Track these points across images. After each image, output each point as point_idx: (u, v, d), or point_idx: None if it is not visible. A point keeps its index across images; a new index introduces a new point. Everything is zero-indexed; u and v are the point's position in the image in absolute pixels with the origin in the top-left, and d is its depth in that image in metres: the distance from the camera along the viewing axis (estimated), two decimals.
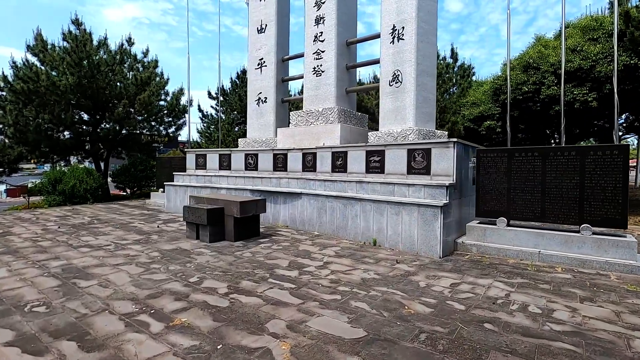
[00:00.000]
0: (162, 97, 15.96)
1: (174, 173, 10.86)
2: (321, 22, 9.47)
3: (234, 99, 23.10)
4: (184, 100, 16.22)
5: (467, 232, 6.04)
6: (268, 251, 5.86)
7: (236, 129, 22.23)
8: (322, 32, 9.46)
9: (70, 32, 12.70)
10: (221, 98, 24.41)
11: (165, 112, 15.96)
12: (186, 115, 17.00)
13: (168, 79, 15.94)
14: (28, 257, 5.32)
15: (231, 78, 24.05)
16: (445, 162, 6.03)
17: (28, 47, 12.70)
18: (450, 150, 5.98)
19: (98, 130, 14.66)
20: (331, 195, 7.18)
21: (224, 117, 22.77)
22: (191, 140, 21.65)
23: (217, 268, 4.85)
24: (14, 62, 12.53)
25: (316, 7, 9.57)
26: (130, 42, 14.83)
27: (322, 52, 9.43)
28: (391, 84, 8.15)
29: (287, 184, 8.53)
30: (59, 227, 7.87)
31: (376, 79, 18.32)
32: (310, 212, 7.66)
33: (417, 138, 7.37)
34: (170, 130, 16.55)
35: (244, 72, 23.75)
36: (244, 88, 23.31)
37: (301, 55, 10.88)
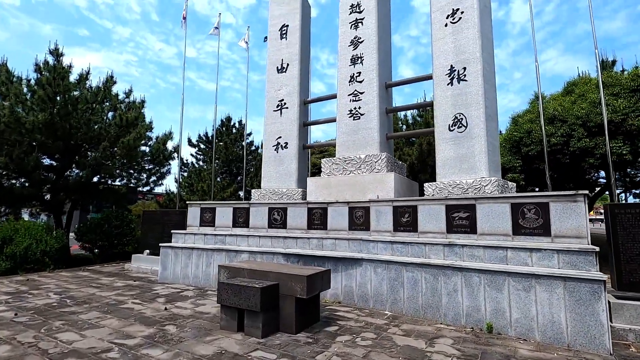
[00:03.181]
0: (144, 141, 13.95)
1: (172, 231, 8.67)
2: (359, 61, 8.53)
3: (218, 147, 21.43)
4: (170, 145, 14.30)
5: (614, 311, 4.64)
6: (360, 351, 4.01)
7: (218, 179, 20.27)
8: (359, 72, 8.47)
9: (46, 63, 10.77)
10: (202, 146, 22.71)
11: (148, 158, 13.85)
12: (171, 162, 14.99)
13: (151, 122, 14.11)
14: None
15: (213, 126, 22.55)
16: (573, 219, 4.77)
17: None
18: (580, 205, 4.76)
19: (66, 177, 12.16)
20: (411, 262, 5.57)
21: (205, 167, 20.83)
22: (169, 191, 19.32)
23: None
24: None
25: (352, 46, 8.68)
26: (111, 80, 13.06)
27: (361, 93, 8.36)
28: (452, 128, 7.10)
29: (334, 245, 6.82)
30: (16, 314, 5.42)
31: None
32: (376, 285, 5.92)
33: (496, 190, 6.17)
34: (151, 179, 14.30)
35: (228, 119, 22.46)
36: (230, 136, 21.88)
37: (327, 98, 9.84)
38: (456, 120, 7.09)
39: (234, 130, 22.17)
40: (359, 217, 6.96)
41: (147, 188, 14.71)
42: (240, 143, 22.07)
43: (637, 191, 16.03)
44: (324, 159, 8.61)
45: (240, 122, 22.39)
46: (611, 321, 4.58)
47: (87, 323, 4.96)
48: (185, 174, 20.58)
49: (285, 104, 9.54)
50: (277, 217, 7.90)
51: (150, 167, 14.50)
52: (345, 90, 8.63)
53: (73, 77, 11.35)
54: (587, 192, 4.77)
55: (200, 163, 21.86)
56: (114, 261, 11.33)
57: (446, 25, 7.49)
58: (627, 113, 10.11)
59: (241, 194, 21.03)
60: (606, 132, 8.12)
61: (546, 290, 4.39)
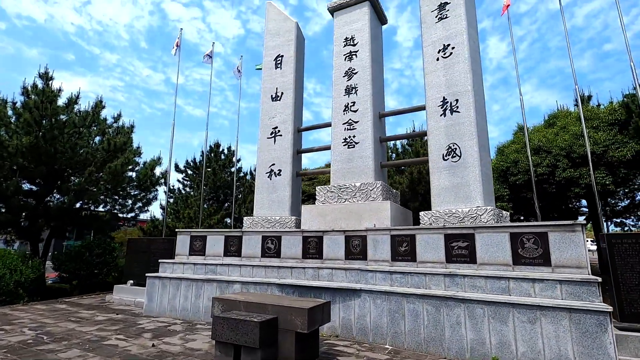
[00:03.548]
0: (131, 167, 13.65)
1: (159, 260, 8.30)
2: (353, 92, 8.71)
3: (206, 173, 21.16)
4: (158, 171, 14.03)
5: (618, 343, 4.59)
6: None
7: (205, 206, 19.86)
8: (354, 102, 8.64)
9: (35, 86, 10.59)
10: (190, 172, 22.38)
11: (134, 184, 13.51)
12: (158, 188, 14.66)
13: (140, 147, 13.89)
14: None
15: (202, 151, 22.39)
16: (573, 249, 4.80)
17: None
18: (578, 235, 4.81)
19: (46, 203, 11.68)
20: (412, 293, 5.45)
21: (192, 193, 20.45)
22: (153, 218, 18.76)
23: None
24: None
25: (346, 77, 8.90)
26: (100, 104, 12.92)
27: (355, 122, 8.49)
28: (446, 158, 7.22)
29: (330, 275, 6.64)
30: None
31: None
32: (376, 317, 5.74)
33: (492, 219, 6.20)
34: (136, 206, 13.88)
35: (217, 145, 22.37)
36: (219, 162, 21.69)
37: (320, 126, 9.94)
38: (450, 150, 7.22)
39: (222, 157, 22.02)
40: (356, 246, 6.85)
41: (132, 215, 14.24)
42: (228, 169, 21.87)
43: (618, 220, 16.49)
44: (319, 187, 8.57)
45: (229, 148, 22.31)
46: None
47: None
48: (171, 200, 20.11)
49: (279, 131, 9.57)
50: (271, 246, 7.69)
51: (136, 192, 14.13)
52: (339, 119, 8.74)
53: (62, 101, 11.16)
54: (584, 222, 4.85)
55: (187, 189, 21.44)
56: (93, 292, 10.71)
57: (438, 59, 7.78)
58: (608, 145, 10.57)
59: (228, 220, 20.63)
60: (590, 164, 8.41)
61: (552, 322, 4.33)
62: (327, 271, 6.69)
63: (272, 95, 9.91)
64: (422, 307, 5.32)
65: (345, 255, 6.90)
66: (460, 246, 5.72)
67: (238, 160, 22.69)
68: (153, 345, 5.40)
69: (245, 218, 9.12)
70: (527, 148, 9.95)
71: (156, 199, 14.54)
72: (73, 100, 11.44)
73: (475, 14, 8.33)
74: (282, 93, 9.81)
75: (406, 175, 12.53)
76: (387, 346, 5.47)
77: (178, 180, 21.54)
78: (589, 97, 16.08)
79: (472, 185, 6.79)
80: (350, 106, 8.66)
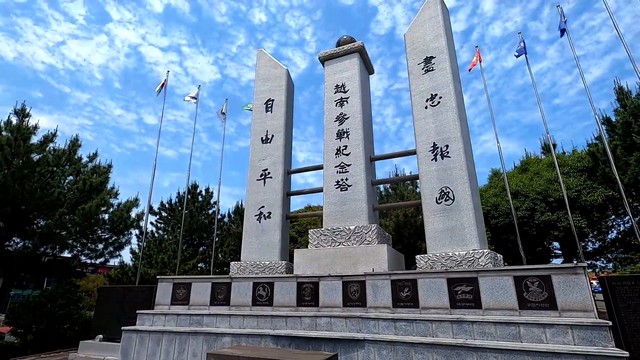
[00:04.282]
0: (104, 208, 12.91)
1: (138, 311, 7.57)
2: (345, 136, 8.90)
3: (180, 215, 20.36)
4: (134, 213, 13.33)
5: None
6: None
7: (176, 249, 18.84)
8: (346, 146, 8.79)
9: (9, 122, 10.06)
10: (164, 214, 21.43)
11: (107, 227, 12.70)
12: (132, 231, 13.84)
13: (117, 188, 13.26)
14: None
15: (179, 193, 21.75)
16: (577, 292, 4.84)
17: None
18: (581, 278, 4.88)
19: (4, 247, 10.65)
20: (420, 342, 5.20)
21: (166, 236, 19.46)
22: (122, 263, 17.48)
23: None
24: None
25: (338, 121, 9.13)
26: (77, 143, 12.42)
27: (348, 165, 8.58)
28: (439, 201, 7.34)
29: (329, 325, 6.28)
30: None
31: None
32: None
33: (490, 262, 6.22)
34: (107, 250, 12.94)
35: (194, 187, 21.79)
36: (196, 204, 21.00)
37: (311, 169, 9.97)
38: (443, 193, 7.36)
39: (199, 198, 21.41)
40: (354, 292, 6.59)
41: (101, 260, 13.21)
42: (206, 211, 21.19)
43: (589, 262, 17.14)
44: (311, 230, 8.38)
45: (207, 189, 21.81)
46: None
47: None
48: (143, 244, 18.93)
49: (269, 173, 9.47)
50: (263, 293, 7.26)
51: (107, 236, 13.24)
52: (331, 162, 8.81)
53: (37, 139, 10.63)
54: (585, 264, 4.94)
55: (160, 232, 20.41)
56: (52, 350, 9.50)
57: (426, 107, 8.18)
58: (579, 190, 11.22)
59: (202, 265, 19.59)
60: (568, 208, 8.81)
61: None
62: (325, 320, 6.34)
63: (262, 138, 9.92)
64: (432, 358, 5.07)
65: (343, 302, 6.60)
66: (464, 290, 5.63)
67: (215, 203, 22.11)
68: None
69: (232, 263, 8.66)
70: (508, 192, 10.35)
71: (129, 242, 13.66)
72: (49, 138, 10.93)
73: (457, 68, 8.98)
74: (272, 135, 9.85)
75: (392, 219, 12.60)
76: None
77: (151, 223, 20.56)
78: (554, 145, 17.35)
79: (467, 228, 6.87)
80: (343, 149, 8.79)
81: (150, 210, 21.23)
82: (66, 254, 12.65)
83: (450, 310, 5.62)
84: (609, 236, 14.02)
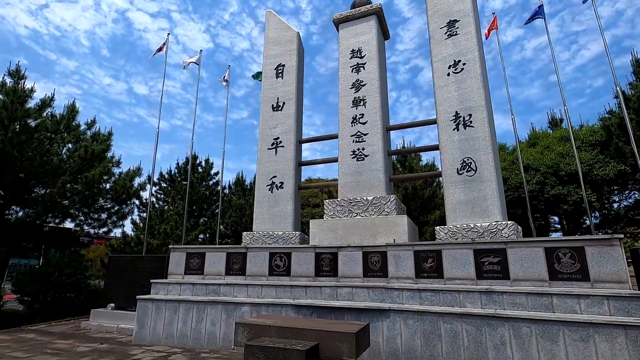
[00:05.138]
0: (106, 177, 12.53)
1: (152, 281, 7.43)
2: (361, 104, 8.54)
3: (179, 186, 20.08)
4: (137, 182, 12.98)
5: None
6: None
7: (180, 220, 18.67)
8: (362, 114, 8.45)
9: (3, 84, 9.46)
10: (164, 185, 21.06)
11: (109, 196, 12.38)
12: (135, 201, 13.55)
13: (119, 157, 12.83)
14: None
15: (178, 163, 21.30)
16: (612, 264, 4.77)
17: None
18: (616, 249, 4.79)
19: (4, 216, 10.33)
20: (450, 312, 5.15)
21: (167, 207, 19.20)
22: (125, 233, 17.29)
23: None
24: None
25: (354, 88, 8.73)
26: (74, 109, 11.83)
27: (364, 134, 8.28)
28: (460, 172, 7.15)
29: (351, 295, 6.21)
30: None
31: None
32: (408, 339, 5.36)
33: (513, 234, 6.13)
34: (110, 221, 12.69)
35: (194, 158, 21.33)
36: (196, 175, 20.64)
37: (324, 138, 9.65)
38: (465, 164, 7.16)
39: (199, 169, 21.02)
40: (375, 263, 6.49)
41: (104, 230, 12.98)
42: (206, 183, 20.88)
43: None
44: (327, 201, 8.19)
45: (207, 160, 21.37)
46: None
47: None
48: (144, 214, 18.70)
49: (280, 142, 9.15)
50: (280, 263, 7.15)
51: (109, 206, 12.95)
52: (347, 131, 8.50)
53: (34, 102, 10.06)
54: (622, 236, 4.84)
55: (161, 203, 20.13)
56: (62, 318, 9.43)
57: (448, 74, 7.81)
58: (592, 164, 11.13)
59: (202, 237, 19.52)
60: (582, 182, 8.72)
61: (606, 340, 4.19)
62: (347, 290, 6.26)
63: (273, 105, 9.51)
64: (461, 327, 5.03)
65: (363, 272, 6.51)
66: (492, 262, 5.55)
67: (215, 174, 21.75)
68: None
69: (244, 233, 8.51)
70: (520, 165, 10.23)
71: (132, 212, 13.40)
72: (47, 103, 10.35)
73: (481, 32, 8.54)
74: (283, 103, 9.44)
75: (400, 191, 12.47)
76: None
77: (151, 194, 20.13)
78: (561, 120, 17.16)
79: (489, 199, 6.73)
80: (359, 118, 8.46)
81: (150, 180, 20.91)
82: (68, 224, 12.38)
83: (477, 281, 5.55)
84: (612, 211, 14.14)
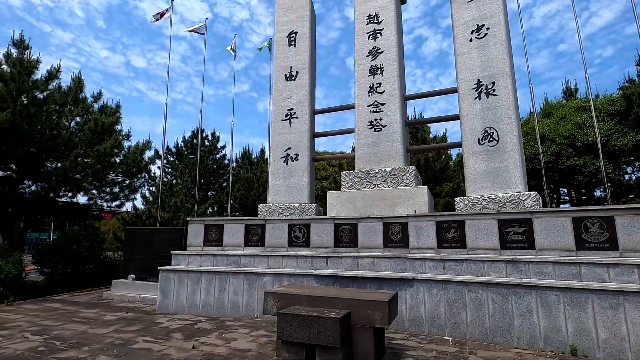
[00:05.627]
0: (117, 151, 12.43)
1: (172, 252, 7.51)
2: (378, 72, 8.27)
3: (187, 160, 20.01)
4: (146, 156, 12.89)
5: None
6: None
7: (189, 194, 18.74)
8: (380, 83, 8.20)
9: (8, 54, 9.18)
10: (171, 159, 20.98)
11: (120, 170, 12.34)
12: (145, 175, 13.52)
13: (123, 130, 12.66)
14: None
15: (184, 137, 21.12)
16: None
17: None
18: None
19: (18, 190, 10.34)
20: (475, 282, 5.18)
21: (175, 181, 19.21)
22: (140, 208, 17.39)
23: None
24: None
25: (370, 56, 8.42)
26: (81, 81, 11.55)
27: (382, 104, 8.07)
28: (482, 142, 7.01)
29: (372, 265, 6.26)
30: None
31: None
32: (432, 307, 5.44)
33: (537, 204, 6.08)
34: (121, 194, 12.72)
35: (200, 131, 21.08)
36: (203, 148, 20.50)
37: (339, 109, 9.40)
38: (486, 134, 7.01)
39: (206, 143, 20.87)
40: (396, 234, 6.49)
41: (116, 203, 13.04)
42: (213, 156, 20.78)
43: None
44: (344, 172, 8.11)
45: (213, 134, 21.18)
46: None
47: None
48: (153, 188, 18.74)
49: (294, 113, 8.95)
50: (299, 235, 7.17)
51: (120, 179, 12.94)
52: (364, 101, 8.28)
53: (40, 74, 9.81)
54: None
55: (169, 177, 20.13)
56: (84, 289, 9.65)
57: (471, 40, 7.50)
58: (609, 135, 10.90)
59: (210, 210, 19.64)
60: (600, 153, 8.54)
61: (636, 307, 4.21)
62: (368, 260, 6.30)
63: (286, 75, 9.23)
64: (486, 296, 5.08)
65: (383, 243, 6.53)
66: (517, 232, 5.52)
67: (222, 147, 21.60)
68: (193, 347, 4.77)
69: (260, 205, 8.50)
70: (537, 136, 9.98)
71: (144, 186, 13.40)
72: (53, 74, 10.08)
73: None
74: (297, 72, 9.16)
75: (413, 162, 12.34)
76: (446, 337, 5.20)
77: (158, 168, 20.16)
78: (576, 89, 16.72)
79: (512, 170, 6.63)
80: (376, 87, 8.22)
81: (158, 154, 20.83)
82: (80, 198, 12.41)
83: (500, 251, 5.55)
84: (623, 182, 14.01)
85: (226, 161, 21.77)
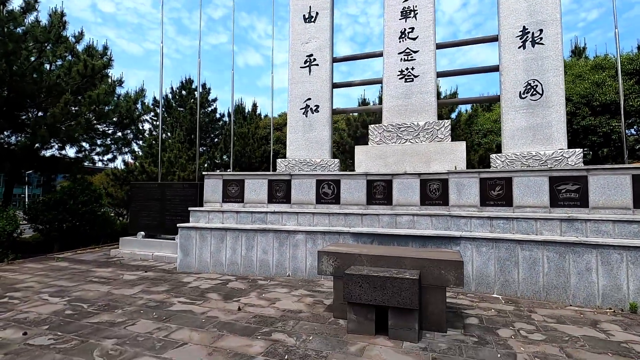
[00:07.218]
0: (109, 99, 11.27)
1: (190, 208, 6.95)
2: (411, 15, 7.50)
3: (177, 113, 18.76)
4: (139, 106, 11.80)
5: None
6: (551, 349, 3.32)
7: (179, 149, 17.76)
8: (412, 28, 7.47)
9: None
10: (159, 111, 19.58)
11: (111, 121, 11.29)
12: (133, 128, 12.49)
13: (120, 76, 11.44)
14: None
15: (172, 88, 19.64)
16: None
17: None
18: None
19: (3, 142, 9.29)
20: (530, 240, 4.99)
21: (164, 136, 18.09)
22: (132, 162, 16.35)
23: None
24: None
25: None
26: (61, 17, 10.08)
27: (415, 52, 7.40)
28: (523, 95, 6.59)
29: (411, 222, 5.98)
30: (25, 333, 3.66)
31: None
32: (480, 266, 5.26)
33: (580, 161, 5.85)
34: (115, 147, 11.76)
35: (189, 81, 19.69)
36: (192, 100, 19.19)
37: (364, 56, 8.63)
38: (529, 87, 6.57)
39: (196, 95, 19.51)
40: (434, 191, 6.18)
41: (109, 157, 12.10)
42: (205, 109, 19.57)
43: None
44: (372, 126, 7.57)
45: (203, 85, 19.79)
46: None
47: (154, 340, 3.49)
48: (141, 142, 17.59)
49: (314, 60, 8.16)
50: (328, 191, 6.75)
51: (111, 131, 11.91)
52: (394, 48, 7.58)
53: (17, 4, 8.41)
54: None
55: (158, 130, 18.91)
56: (85, 246, 9.05)
57: None
58: (627, 94, 10.70)
59: (205, 166, 18.85)
60: (622, 113, 8.30)
61: None
62: (407, 218, 6.01)
63: (304, 15, 8.30)
64: (541, 254, 4.91)
65: (420, 200, 6.22)
66: (570, 189, 5.30)
67: (214, 100, 20.32)
68: (239, 308, 4.43)
69: (279, 160, 7.94)
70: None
71: (138, 138, 12.42)
72: (31, 5, 8.64)
73: None
74: (316, 13, 8.24)
75: None
76: (495, 295, 5.08)
77: (146, 120, 18.91)
78: (584, 48, 16.32)
79: (554, 126, 6.31)
80: (409, 33, 7.49)
81: (145, 107, 19.39)
82: (68, 150, 11.38)
83: (550, 209, 5.35)
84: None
85: (217, 115, 20.64)
